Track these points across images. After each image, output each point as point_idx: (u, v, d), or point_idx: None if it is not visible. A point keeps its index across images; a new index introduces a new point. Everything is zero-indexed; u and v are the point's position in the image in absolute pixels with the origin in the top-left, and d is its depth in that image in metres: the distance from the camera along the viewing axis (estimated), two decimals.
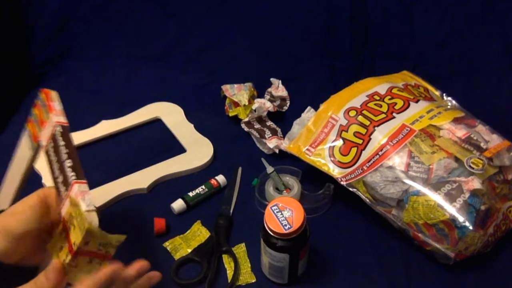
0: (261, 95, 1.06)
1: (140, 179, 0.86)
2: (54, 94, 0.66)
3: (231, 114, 0.99)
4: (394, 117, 0.80)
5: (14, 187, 0.71)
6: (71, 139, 0.61)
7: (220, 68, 1.14)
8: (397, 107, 0.82)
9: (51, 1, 1.11)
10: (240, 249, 0.76)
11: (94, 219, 0.53)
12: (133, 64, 1.14)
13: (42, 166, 0.87)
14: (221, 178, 0.85)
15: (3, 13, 1.06)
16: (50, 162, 0.62)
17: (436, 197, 0.71)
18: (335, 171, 0.79)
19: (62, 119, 0.63)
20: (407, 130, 0.77)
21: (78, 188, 0.56)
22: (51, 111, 0.64)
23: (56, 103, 0.65)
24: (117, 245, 0.55)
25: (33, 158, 0.69)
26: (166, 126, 0.98)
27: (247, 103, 0.98)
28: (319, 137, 0.82)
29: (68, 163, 0.59)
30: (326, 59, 1.14)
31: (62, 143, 0.61)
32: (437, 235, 0.70)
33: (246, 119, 0.95)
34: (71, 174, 0.58)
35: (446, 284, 0.72)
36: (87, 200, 0.55)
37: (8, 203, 0.70)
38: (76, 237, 0.53)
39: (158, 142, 0.96)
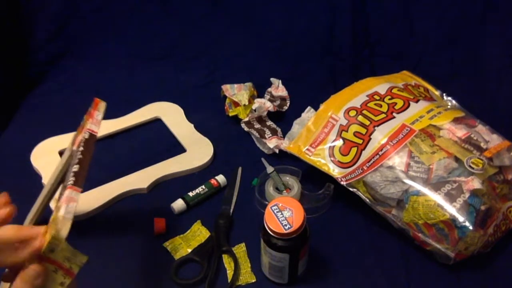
0: (261, 95, 1.06)
1: (140, 179, 0.86)
2: (102, 105, 0.68)
3: (231, 114, 0.99)
4: (394, 117, 0.80)
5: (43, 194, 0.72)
6: (92, 148, 0.62)
7: (220, 68, 1.14)
8: (397, 107, 0.82)
9: (52, 1, 1.11)
10: (240, 249, 0.76)
11: (64, 227, 0.51)
12: (133, 64, 1.14)
13: (42, 166, 0.87)
14: (221, 178, 0.85)
15: (3, 12, 1.06)
16: (68, 166, 0.63)
17: (436, 197, 0.71)
18: (335, 171, 0.79)
19: (94, 128, 0.65)
20: (407, 130, 0.77)
21: (69, 194, 0.56)
22: (90, 118, 0.66)
23: (97, 113, 0.67)
24: (80, 266, 0.52)
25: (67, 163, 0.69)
26: (166, 126, 0.98)
27: (247, 103, 0.98)
28: (319, 137, 0.82)
29: (74, 168, 0.59)
30: (326, 59, 1.14)
31: (81, 148, 0.61)
32: (437, 235, 0.70)
33: (246, 119, 0.95)
34: (71, 178, 0.57)
35: (446, 284, 0.72)
36: (70, 207, 0.54)
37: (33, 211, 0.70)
38: (44, 241, 0.51)
39: (158, 142, 0.96)
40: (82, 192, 0.58)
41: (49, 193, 0.71)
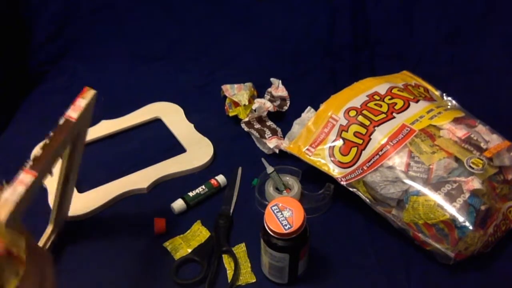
0: (261, 95, 1.06)
1: (140, 179, 0.86)
2: (89, 93, 0.64)
3: (231, 114, 0.99)
4: (394, 117, 0.80)
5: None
6: (67, 135, 0.59)
7: (220, 68, 1.14)
8: (397, 107, 0.82)
9: (52, 1, 1.11)
10: (240, 249, 0.76)
11: (4, 210, 0.49)
12: (133, 64, 1.14)
13: None
14: (221, 178, 0.85)
15: (3, 12, 1.06)
16: (69, 165, 0.63)
17: (436, 197, 0.71)
18: (335, 171, 0.79)
19: (73, 114, 0.61)
20: (407, 130, 0.77)
21: (22, 177, 0.53)
22: (72, 104, 0.62)
23: (81, 100, 0.63)
24: (23, 249, 0.49)
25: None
26: (166, 126, 0.98)
27: (247, 103, 0.98)
28: (319, 137, 0.82)
29: (38, 152, 0.56)
30: (326, 59, 1.14)
31: (50, 134, 0.58)
32: (437, 235, 0.70)
33: (246, 119, 0.95)
34: (30, 162, 0.55)
35: (446, 284, 0.72)
36: (17, 190, 0.51)
37: None
38: None
39: (158, 142, 0.96)
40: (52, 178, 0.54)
41: (56, 196, 0.71)
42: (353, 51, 1.14)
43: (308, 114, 0.90)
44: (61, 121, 0.60)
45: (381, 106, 0.82)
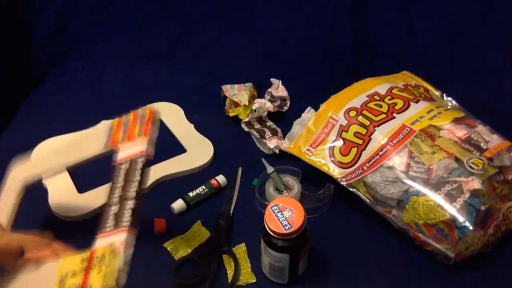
0: (261, 95, 1.06)
1: None
2: (157, 117, 0.66)
3: (231, 114, 0.99)
4: (394, 117, 0.80)
5: None
6: (146, 174, 0.61)
7: (220, 68, 1.14)
8: (397, 107, 0.82)
9: (52, 1, 1.11)
10: (240, 249, 0.76)
11: (121, 281, 0.51)
12: (133, 64, 1.14)
13: (42, 165, 0.87)
14: (221, 178, 0.85)
15: (3, 12, 1.06)
16: (113, 183, 0.62)
17: (436, 197, 0.71)
18: (335, 171, 0.79)
19: (150, 150, 0.63)
20: (407, 130, 0.78)
21: (127, 238, 0.55)
22: (145, 134, 0.63)
23: (154, 128, 0.64)
24: None
25: (98, 155, 0.68)
26: (166, 126, 0.98)
27: (247, 103, 0.98)
28: (319, 137, 0.82)
29: (131, 204, 0.58)
30: (326, 59, 1.14)
31: (137, 178, 0.59)
32: (437, 235, 0.70)
33: (246, 119, 0.95)
34: (128, 217, 0.57)
35: (446, 284, 0.72)
36: (128, 256, 0.54)
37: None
38: (96, 283, 0.51)
39: (158, 142, 0.95)
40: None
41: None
42: (353, 51, 1.14)
43: (308, 114, 0.90)
44: (144, 161, 0.62)
45: (381, 106, 0.82)
